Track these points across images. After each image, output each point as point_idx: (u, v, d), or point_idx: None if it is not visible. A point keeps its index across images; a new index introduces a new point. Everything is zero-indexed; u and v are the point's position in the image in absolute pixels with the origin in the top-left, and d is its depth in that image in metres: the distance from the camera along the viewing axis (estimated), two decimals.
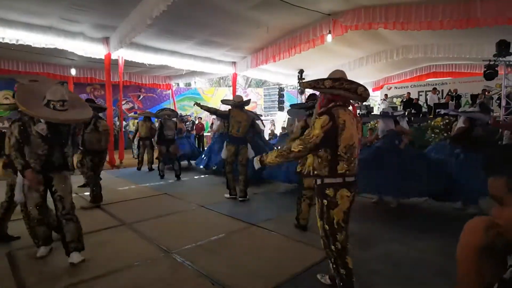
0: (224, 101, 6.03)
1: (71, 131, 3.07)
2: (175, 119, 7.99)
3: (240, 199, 5.27)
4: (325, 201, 2.14)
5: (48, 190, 2.96)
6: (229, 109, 5.37)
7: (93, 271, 2.78)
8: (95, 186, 4.90)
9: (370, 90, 19.30)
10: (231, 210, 4.73)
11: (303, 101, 9.68)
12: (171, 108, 10.72)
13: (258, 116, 7.46)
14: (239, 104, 5.34)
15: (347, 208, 2.14)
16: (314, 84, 2.21)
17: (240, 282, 2.60)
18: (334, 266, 2.22)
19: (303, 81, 2.91)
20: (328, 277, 2.57)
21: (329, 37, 8.51)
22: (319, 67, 13.47)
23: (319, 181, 2.19)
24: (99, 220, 4.19)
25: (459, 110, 4.92)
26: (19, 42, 7.92)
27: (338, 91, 2.16)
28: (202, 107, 5.72)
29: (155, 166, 8.22)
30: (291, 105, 4.95)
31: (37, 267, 2.89)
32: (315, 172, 2.21)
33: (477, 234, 0.80)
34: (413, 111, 12.31)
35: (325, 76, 2.32)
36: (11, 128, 2.82)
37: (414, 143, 7.23)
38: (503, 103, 9.45)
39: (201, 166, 7.96)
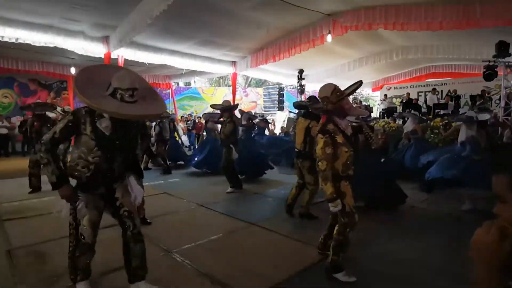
0: (213, 106, 6.31)
1: (141, 130, 2.40)
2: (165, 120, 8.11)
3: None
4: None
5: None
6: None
7: (93, 270, 2.78)
8: None
9: (369, 90, 19.38)
10: (231, 209, 4.73)
11: (301, 100, 9.72)
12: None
13: (254, 116, 7.62)
14: (227, 108, 5.63)
15: None
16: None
17: (240, 281, 2.60)
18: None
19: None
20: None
21: (329, 37, 8.51)
22: (319, 67, 13.48)
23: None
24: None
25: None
26: (19, 41, 7.91)
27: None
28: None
29: (151, 165, 8.25)
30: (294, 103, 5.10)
31: (36, 267, 2.88)
32: None
33: (496, 247, 0.78)
34: (412, 111, 12.31)
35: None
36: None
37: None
38: (502, 103, 9.46)
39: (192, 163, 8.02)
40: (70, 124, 2.06)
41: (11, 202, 5.06)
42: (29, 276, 2.71)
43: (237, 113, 7.07)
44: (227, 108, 5.65)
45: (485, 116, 4.75)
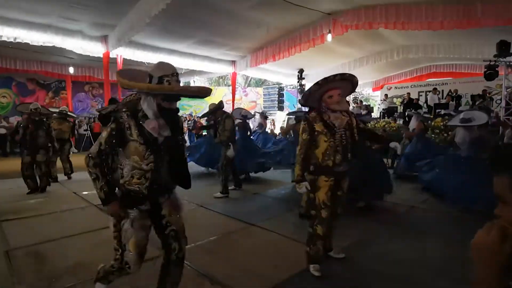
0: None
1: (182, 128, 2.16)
2: None
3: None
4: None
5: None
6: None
7: (91, 271, 2.75)
8: None
9: (370, 90, 19.36)
10: (230, 209, 4.71)
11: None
12: None
13: (250, 115, 7.69)
14: (218, 107, 5.70)
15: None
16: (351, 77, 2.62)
17: (240, 282, 2.58)
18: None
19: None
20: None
21: (329, 37, 8.49)
22: (319, 67, 13.46)
23: None
24: (98, 220, 4.16)
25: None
26: (17, 40, 7.90)
27: None
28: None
29: None
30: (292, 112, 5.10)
31: (35, 267, 2.86)
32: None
33: (496, 249, 0.78)
34: (413, 111, 12.30)
35: (327, 74, 2.50)
36: (104, 130, 1.89)
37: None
38: (503, 103, 9.44)
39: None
40: (114, 132, 1.82)
41: (9, 203, 5.04)
42: (28, 276, 2.68)
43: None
44: (218, 107, 5.67)
45: (482, 118, 4.63)
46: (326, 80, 2.50)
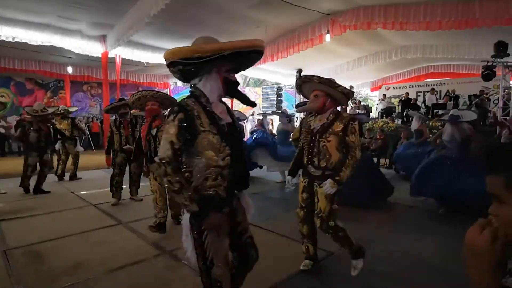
0: None
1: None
2: None
3: None
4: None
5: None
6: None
7: (90, 270, 2.75)
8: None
9: (368, 90, 19.35)
10: None
11: (302, 100, 9.67)
12: None
13: (243, 116, 7.90)
14: None
15: None
16: (328, 83, 2.41)
17: None
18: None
19: (311, 75, 2.77)
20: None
21: (327, 37, 8.50)
22: (317, 67, 13.46)
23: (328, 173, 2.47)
24: (96, 219, 4.15)
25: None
26: (16, 40, 7.87)
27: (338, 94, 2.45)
28: None
29: None
30: (297, 105, 5.03)
31: (33, 267, 2.85)
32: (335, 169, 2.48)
33: (487, 250, 0.78)
34: (415, 112, 12.33)
35: (324, 76, 2.47)
36: (166, 125, 1.51)
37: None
38: (501, 104, 9.49)
39: None
40: (184, 124, 1.46)
41: (7, 202, 5.03)
42: (26, 276, 2.67)
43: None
44: None
45: (471, 115, 4.64)
46: (305, 77, 2.53)
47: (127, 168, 5.07)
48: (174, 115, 1.48)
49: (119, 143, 4.98)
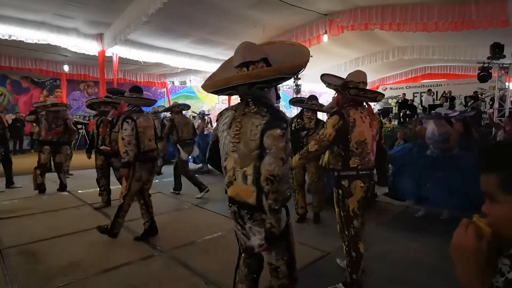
0: (167, 109, 6.98)
1: None
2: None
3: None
4: (340, 191, 2.35)
5: None
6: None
7: (85, 270, 2.75)
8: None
9: None
10: (225, 209, 4.69)
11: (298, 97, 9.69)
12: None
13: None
14: (180, 110, 5.85)
15: (361, 198, 2.33)
16: (340, 89, 2.40)
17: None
18: (347, 249, 2.40)
19: (326, 79, 2.77)
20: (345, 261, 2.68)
21: (325, 37, 8.52)
22: (315, 67, 13.47)
23: (335, 174, 2.40)
24: (92, 219, 4.14)
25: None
26: (12, 38, 7.81)
27: (361, 99, 2.44)
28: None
29: None
30: (291, 99, 5.01)
31: (29, 266, 2.84)
32: (331, 166, 2.43)
33: (473, 249, 0.80)
34: (408, 112, 12.39)
35: (319, 74, 2.44)
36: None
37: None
38: (496, 105, 9.55)
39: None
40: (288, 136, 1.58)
41: (3, 201, 4.99)
42: (21, 276, 2.66)
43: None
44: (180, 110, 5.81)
45: (453, 113, 4.58)
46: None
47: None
48: (284, 125, 1.53)
49: (96, 143, 4.76)
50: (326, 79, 2.55)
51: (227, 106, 12.51)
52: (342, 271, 2.72)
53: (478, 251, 0.79)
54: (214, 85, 1.61)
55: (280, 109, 2.11)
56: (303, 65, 1.53)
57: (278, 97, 1.77)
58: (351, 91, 2.35)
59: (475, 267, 0.80)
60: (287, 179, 1.65)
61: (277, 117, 1.53)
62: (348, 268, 2.38)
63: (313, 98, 4.15)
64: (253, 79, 1.49)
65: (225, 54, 11.48)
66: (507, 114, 9.09)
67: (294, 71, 1.59)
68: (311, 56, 1.89)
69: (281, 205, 1.55)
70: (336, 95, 2.57)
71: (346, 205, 2.32)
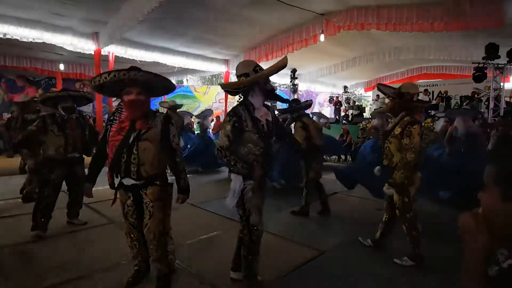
0: (161, 103, 7.47)
1: None
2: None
3: None
4: (406, 181, 2.79)
5: None
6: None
7: (80, 269, 2.72)
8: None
9: (362, 90, 19.40)
10: (221, 208, 4.67)
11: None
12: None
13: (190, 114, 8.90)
14: (174, 107, 6.29)
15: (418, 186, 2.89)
16: (410, 103, 2.93)
17: (229, 281, 2.57)
18: (408, 229, 2.87)
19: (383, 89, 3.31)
20: (370, 240, 3.25)
21: (322, 37, 8.54)
22: (312, 67, 13.51)
23: None
24: (87, 218, 4.10)
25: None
26: (7, 36, 7.74)
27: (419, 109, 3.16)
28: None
29: None
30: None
31: (22, 265, 2.81)
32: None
33: (478, 228, 0.88)
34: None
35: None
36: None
37: None
38: (491, 105, 9.61)
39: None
40: (236, 124, 2.18)
41: None
42: (14, 276, 2.63)
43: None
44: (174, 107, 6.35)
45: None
46: None
47: None
48: (230, 117, 2.20)
49: (62, 148, 3.55)
50: (384, 89, 3.15)
51: (223, 105, 12.59)
52: (338, 269, 2.72)
53: (483, 231, 0.86)
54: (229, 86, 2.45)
55: (272, 106, 2.69)
56: (265, 74, 2.26)
57: (273, 98, 2.39)
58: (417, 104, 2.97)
59: (481, 252, 0.87)
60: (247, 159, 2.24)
61: (230, 111, 2.28)
62: (411, 244, 2.84)
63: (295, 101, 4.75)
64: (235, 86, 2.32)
65: (221, 53, 11.47)
66: (501, 114, 9.16)
67: (261, 78, 2.25)
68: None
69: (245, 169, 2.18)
70: (389, 102, 3.09)
71: (409, 191, 2.81)
